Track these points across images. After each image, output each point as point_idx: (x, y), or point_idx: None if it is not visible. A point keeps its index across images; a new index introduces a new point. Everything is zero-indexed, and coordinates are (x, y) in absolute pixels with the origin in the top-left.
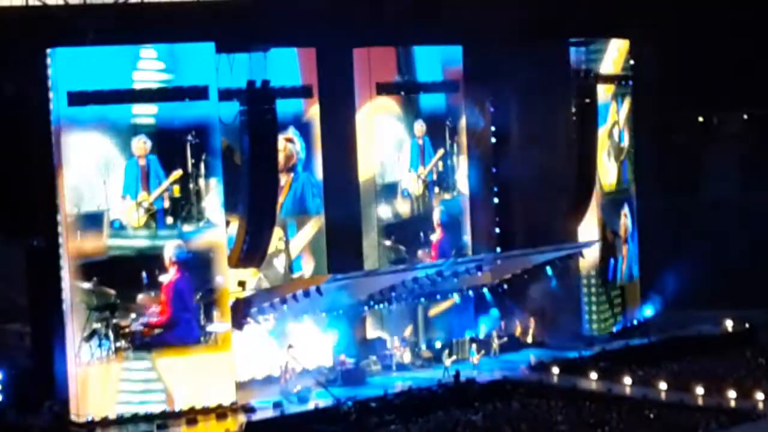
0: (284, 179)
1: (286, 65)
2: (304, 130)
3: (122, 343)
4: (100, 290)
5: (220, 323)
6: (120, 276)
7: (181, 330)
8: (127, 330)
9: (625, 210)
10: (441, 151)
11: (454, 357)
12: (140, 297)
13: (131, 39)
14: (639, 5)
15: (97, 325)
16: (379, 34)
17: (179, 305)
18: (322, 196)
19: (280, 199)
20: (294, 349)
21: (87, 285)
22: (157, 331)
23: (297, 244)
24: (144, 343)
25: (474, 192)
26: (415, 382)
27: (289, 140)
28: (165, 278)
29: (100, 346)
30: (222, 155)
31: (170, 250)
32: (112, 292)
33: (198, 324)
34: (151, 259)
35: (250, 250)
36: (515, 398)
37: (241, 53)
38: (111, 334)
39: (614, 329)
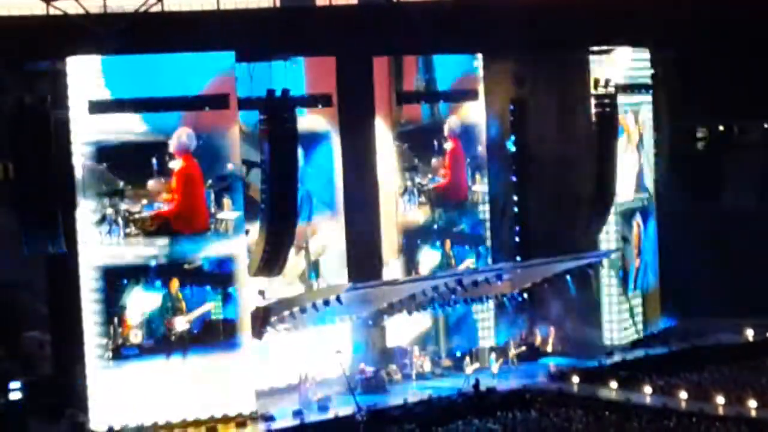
0: None
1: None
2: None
3: (132, 229)
4: (109, 176)
5: (230, 211)
6: (130, 162)
7: (192, 217)
8: (137, 216)
9: (638, 219)
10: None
11: (476, 365)
12: (150, 183)
13: (151, 48)
14: (659, 14)
15: (107, 211)
16: (400, 42)
17: (190, 191)
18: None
19: None
20: (341, 354)
21: (99, 168)
22: (167, 217)
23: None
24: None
25: (494, 201)
26: (435, 391)
27: None
28: (176, 165)
29: (110, 232)
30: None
31: (180, 137)
32: (121, 177)
33: (208, 211)
34: (162, 146)
35: (271, 259)
36: (535, 407)
37: (261, 62)
38: (120, 220)
39: (634, 338)
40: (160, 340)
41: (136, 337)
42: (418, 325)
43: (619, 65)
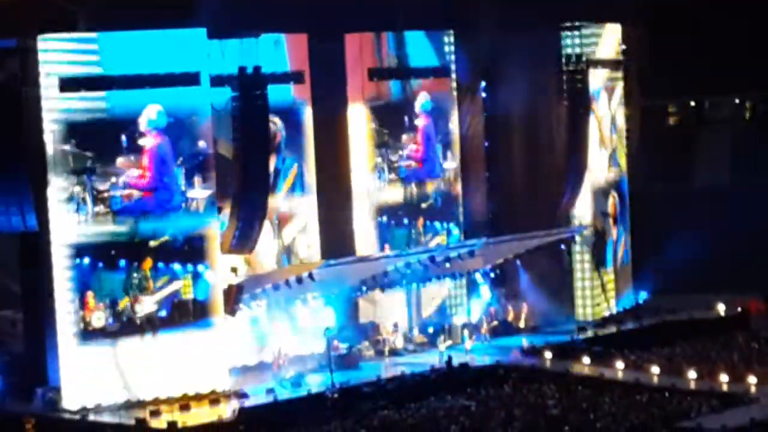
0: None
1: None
2: (284, 115)
3: (101, 208)
4: (78, 153)
5: (201, 189)
6: (99, 139)
7: (162, 195)
8: (105, 194)
9: (613, 192)
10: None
11: (449, 341)
12: (119, 160)
13: (122, 25)
14: None
15: (75, 189)
16: (372, 19)
17: (160, 169)
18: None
19: (286, 185)
20: (332, 330)
21: (66, 147)
22: (137, 195)
23: (291, 231)
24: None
25: (466, 177)
26: (408, 368)
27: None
28: (146, 142)
29: (78, 210)
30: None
31: (149, 115)
32: (90, 155)
33: (179, 189)
34: (132, 124)
35: (242, 236)
36: (508, 383)
37: (232, 39)
38: (89, 199)
39: (606, 314)
40: (127, 321)
41: (99, 320)
42: (391, 302)
43: (589, 41)
